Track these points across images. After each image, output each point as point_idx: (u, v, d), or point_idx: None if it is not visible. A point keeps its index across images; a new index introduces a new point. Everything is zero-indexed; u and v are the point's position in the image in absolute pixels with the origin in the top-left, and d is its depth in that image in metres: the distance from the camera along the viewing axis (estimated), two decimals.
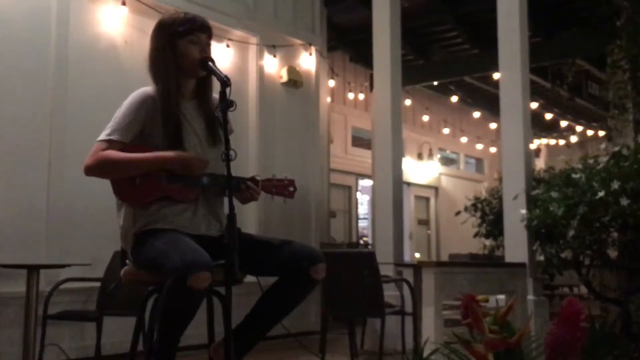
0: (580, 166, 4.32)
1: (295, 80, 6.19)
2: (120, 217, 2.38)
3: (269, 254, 2.37)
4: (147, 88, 2.42)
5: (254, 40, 5.87)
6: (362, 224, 11.69)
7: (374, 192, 5.80)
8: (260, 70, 5.90)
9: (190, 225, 2.34)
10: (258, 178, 2.46)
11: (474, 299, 1.60)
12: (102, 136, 2.34)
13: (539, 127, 12.37)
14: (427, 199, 12.90)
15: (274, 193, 2.48)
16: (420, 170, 12.32)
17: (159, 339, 2.16)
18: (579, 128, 12.63)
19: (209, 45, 2.45)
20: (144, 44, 2.54)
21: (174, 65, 2.39)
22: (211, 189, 2.39)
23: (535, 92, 9.22)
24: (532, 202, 4.49)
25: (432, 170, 12.70)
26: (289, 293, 2.37)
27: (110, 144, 2.32)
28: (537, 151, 13.48)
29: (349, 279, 3.87)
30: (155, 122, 2.36)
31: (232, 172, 2.20)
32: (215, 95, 2.43)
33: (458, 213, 5.54)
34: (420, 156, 12.31)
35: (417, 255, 11.99)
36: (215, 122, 2.43)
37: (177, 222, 2.32)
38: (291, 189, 2.50)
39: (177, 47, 2.39)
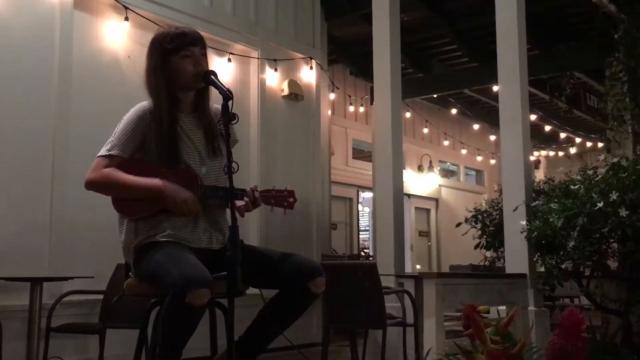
0: (579, 177, 4.33)
1: (296, 94, 6.23)
2: (122, 231, 2.40)
3: (269, 267, 2.38)
4: (146, 103, 2.43)
5: (255, 54, 5.93)
6: (363, 235, 11.69)
7: (375, 204, 5.81)
8: (262, 84, 5.95)
9: (192, 238, 2.35)
10: (258, 189, 2.45)
11: (476, 309, 1.61)
12: (103, 151, 2.38)
13: (539, 138, 12.40)
14: (428, 211, 12.90)
15: (273, 204, 2.47)
16: (420, 182, 12.33)
17: (161, 352, 2.17)
18: (578, 140, 12.67)
19: (204, 56, 2.43)
20: None
21: (166, 83, 2.39)
22: (212, 201, 2.40)
23: (534, 104, 9.27)
24: (532, 214, 4.50)
25: (432, 182, 12.71)
26: (290, 306, 2.38)
27: (110, 159, 2.35)
28: (537, 163, 13.50)
29: (351, 291, 3.87)
30: (152, 136, 2.37)
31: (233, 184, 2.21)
32: (215, 105, 2.44)
33: (459, 225, 5.53)
34: (420, 168, 12.33)
35: (418, 266, 11.98)
36: (215, 134, 2.44)
37: (179, 236, 2.33)
38: (291, 199, 2.48)
39: (171, 64, 2.39)
